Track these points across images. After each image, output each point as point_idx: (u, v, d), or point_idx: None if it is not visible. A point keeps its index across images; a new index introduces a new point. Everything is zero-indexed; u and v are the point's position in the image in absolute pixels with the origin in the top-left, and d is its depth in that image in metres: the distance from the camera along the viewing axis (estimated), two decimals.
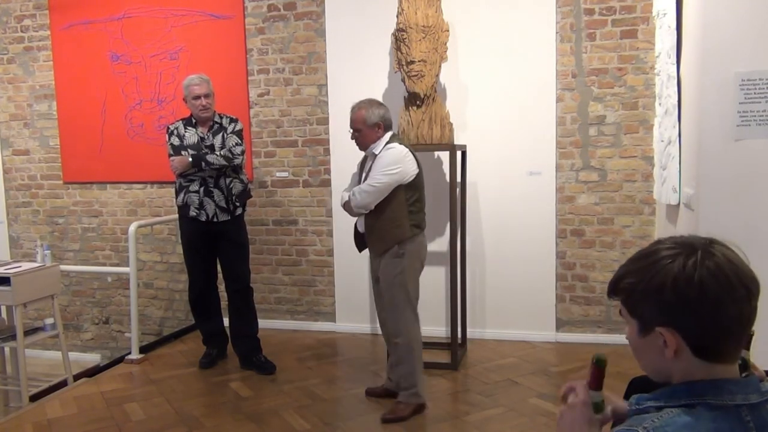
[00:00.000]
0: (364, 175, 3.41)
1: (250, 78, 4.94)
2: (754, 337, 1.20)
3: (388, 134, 3.38)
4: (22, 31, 5.47)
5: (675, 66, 3.49)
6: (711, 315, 1.00)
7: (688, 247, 1.04)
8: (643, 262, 1.07)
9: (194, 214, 3.99)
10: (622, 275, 1.10)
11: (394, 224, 3.30)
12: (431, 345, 4.24)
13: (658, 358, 1.07)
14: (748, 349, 1.19)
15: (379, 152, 3.31)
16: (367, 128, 3.34)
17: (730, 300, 1.00)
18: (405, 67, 3.99)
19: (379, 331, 4.72)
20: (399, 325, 3.34)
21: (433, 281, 4.45)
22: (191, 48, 5.03)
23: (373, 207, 3.31)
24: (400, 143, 3.34)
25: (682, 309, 1.02)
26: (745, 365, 1.14)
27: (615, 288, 1.11)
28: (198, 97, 3.94)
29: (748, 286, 1.02)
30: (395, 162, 3.25)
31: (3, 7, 5.49)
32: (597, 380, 1.22)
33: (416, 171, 3.32)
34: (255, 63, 4.92)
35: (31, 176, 5.61)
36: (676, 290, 1.01)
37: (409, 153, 3.32)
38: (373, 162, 3.34)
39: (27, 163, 5.61)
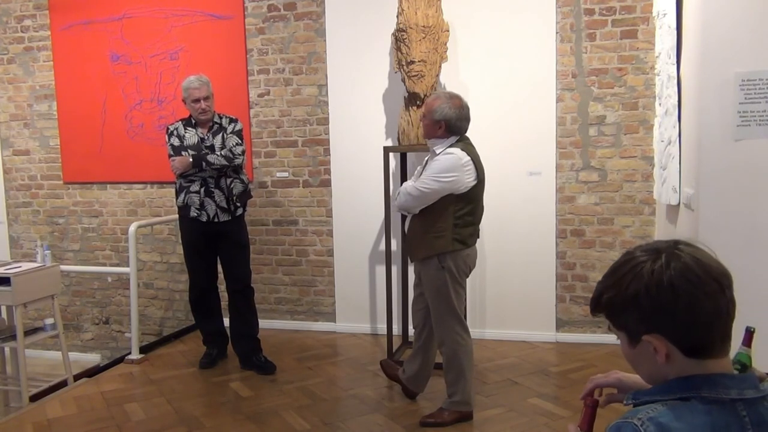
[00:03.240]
0: (419, 172, 3.22)
1: (250, 78, 4.94)
2: (755, 335, 1.21)
3: (453, 138, 3.14)
4: (22, 31, 5.47)
5: (675, 66, 3.49)
6: (688, 313, 1.02)
7: (654, 252, 1.06)
8: (616, 275, 1.09)
9: (195, 214, 3.99)
10: (601, 292, 1.12)
11: (436, 234, 3.11)
12: None
13: (653, 366, 1.09)
14: (749, 346, 1.19)
15: (438, 153, 3.11)
16: (430, 120, 3.13)
17: (703, 295, 1.01)
18: (405, 67, 3.99)
19: (379, 332, 4.76)
20: (443, 335, 3.24)
21: None
22: (191, 48, 5.03)
23: (416, 211, 3.15)
24: (464, 149, 3.10)
25: (660, 313, 1.03)
26: (745, 367, 1.14)
27: (597, 306, 1.13)
28: (197, 100, 3.92)
29: (718, 279, 1.03)
30: (450, 169, 3.03)
31: (3, 7, 5.49)
32: (589, 422, 1.23)
33: (473, 182, 3.08)
34: (255, 63, 4.92)
35: (32, 176, 5.61)
36: (650, 296, 1.03)
37: (470, 162, 3.07)
38: (429, 162, 3.15)
39: (27, 164, 5.61)
